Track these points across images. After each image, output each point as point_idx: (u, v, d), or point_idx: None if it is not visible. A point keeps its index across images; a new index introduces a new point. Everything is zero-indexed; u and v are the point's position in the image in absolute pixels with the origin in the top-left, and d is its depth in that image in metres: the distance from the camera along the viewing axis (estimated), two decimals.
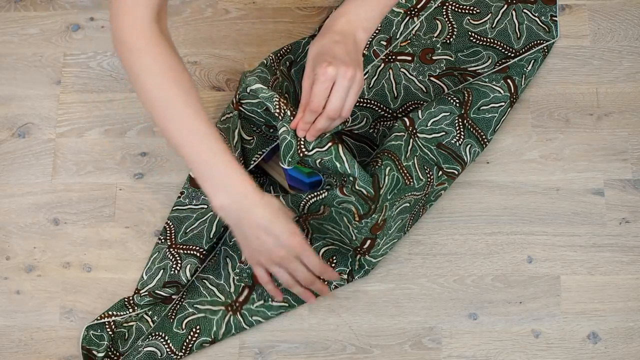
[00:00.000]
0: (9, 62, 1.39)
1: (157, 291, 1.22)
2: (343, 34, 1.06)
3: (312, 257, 1.08)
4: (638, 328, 1.22)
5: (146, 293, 1.22)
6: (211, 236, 1.24)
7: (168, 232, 1.27)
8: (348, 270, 1.24)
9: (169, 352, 1.21)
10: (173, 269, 1.23)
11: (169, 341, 1.22)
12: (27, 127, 1.35)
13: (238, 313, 1.23)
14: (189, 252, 1.24)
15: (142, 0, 1.01)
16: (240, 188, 1.03)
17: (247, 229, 1.06)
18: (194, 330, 1.22)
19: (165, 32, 1.04)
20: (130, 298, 1.24)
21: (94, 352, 1.21)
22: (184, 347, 1.22)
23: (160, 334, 1.22)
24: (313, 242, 1.25)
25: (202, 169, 1.04)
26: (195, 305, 1.24)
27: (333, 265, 1.24)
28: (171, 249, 1.25)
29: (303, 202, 1.16)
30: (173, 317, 1.23)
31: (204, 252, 1.24)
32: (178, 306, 1.24)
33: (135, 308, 1.23)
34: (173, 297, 1.24)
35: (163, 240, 1.26)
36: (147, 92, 1.03)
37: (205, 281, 1.25)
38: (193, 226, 1.26)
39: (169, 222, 1.27)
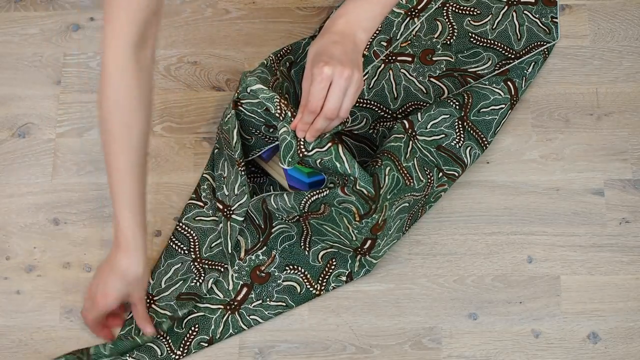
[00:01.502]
0: (9, 62, 1.39)
1: (172, 304, 1.23)
2: (342, 34, 1.06)
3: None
4: (638, 328, 1.22)
5: (164, 309, 1.23)
6: (229, 250, 1.24)
7: (192, 243, 1.27)
8: (347, 272, 1.24)
9: (169, 351, 1.21)
10: (195, 281, 1.24)
11: (169, 340, 1.22)
12: (27, 127, 1.35)
13: (236, 312, 1.23)
14: (213, 267, 1.25)
15: (124, 26, 1.05)
16: (120, 238, 1.14)
17: (102, 264, 1.19)
18: (192, 328, 1.22)
19: (144, 60, 1.08)
20: (149, 303, 1.24)
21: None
22: (182, 346, 1.22)
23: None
24: (312, 245, 1.25)
25: (114, 208, 1.15)
26: (194, 304, 1.24)
27: (332, 268, 1.25)
28: (196, 263, 1.25)
29: (304, 200, 1.16)
30: None
31: (227, 267, 1.25)
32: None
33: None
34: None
35: (186, 252, 1.26)
36: (100, 118, 1.10)
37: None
38: (218, 241, 1.26)
39: (191, 232, 1.27)
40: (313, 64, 1.04)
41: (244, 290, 1.24)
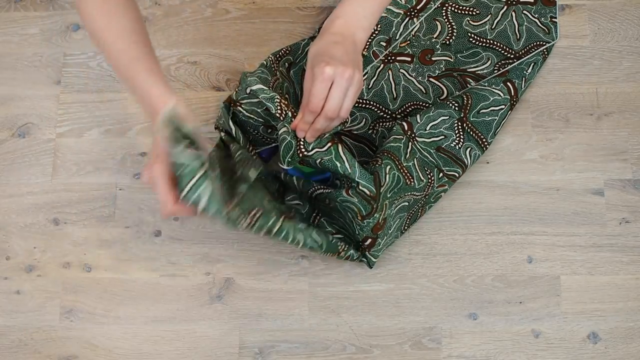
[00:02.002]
0: (9, 62, 1.39)
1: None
2: (342, 34, 1.06)
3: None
4: (638, 328, 1.22)
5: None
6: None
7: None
8: (357, 255, 1.22)
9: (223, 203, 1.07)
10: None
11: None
12: (27, 127, 1.35)
13: (291, 220, 1.14)
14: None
15: None
16: (151, 102, 1.05)
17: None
18: (255, 210, 1.12)
19: None
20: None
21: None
22: (246, 216, 1.10)
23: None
24: (321, 227, 1.23)
25: (136, 95, 1.07)
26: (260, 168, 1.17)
27: (343, 251, 1.21)
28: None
29: (311, 190, 1.16)
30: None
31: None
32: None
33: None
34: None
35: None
36: (93, 33, 1.06)
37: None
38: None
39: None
40: (314, 64, 1.04)
41: (292, 211, 1.19)
